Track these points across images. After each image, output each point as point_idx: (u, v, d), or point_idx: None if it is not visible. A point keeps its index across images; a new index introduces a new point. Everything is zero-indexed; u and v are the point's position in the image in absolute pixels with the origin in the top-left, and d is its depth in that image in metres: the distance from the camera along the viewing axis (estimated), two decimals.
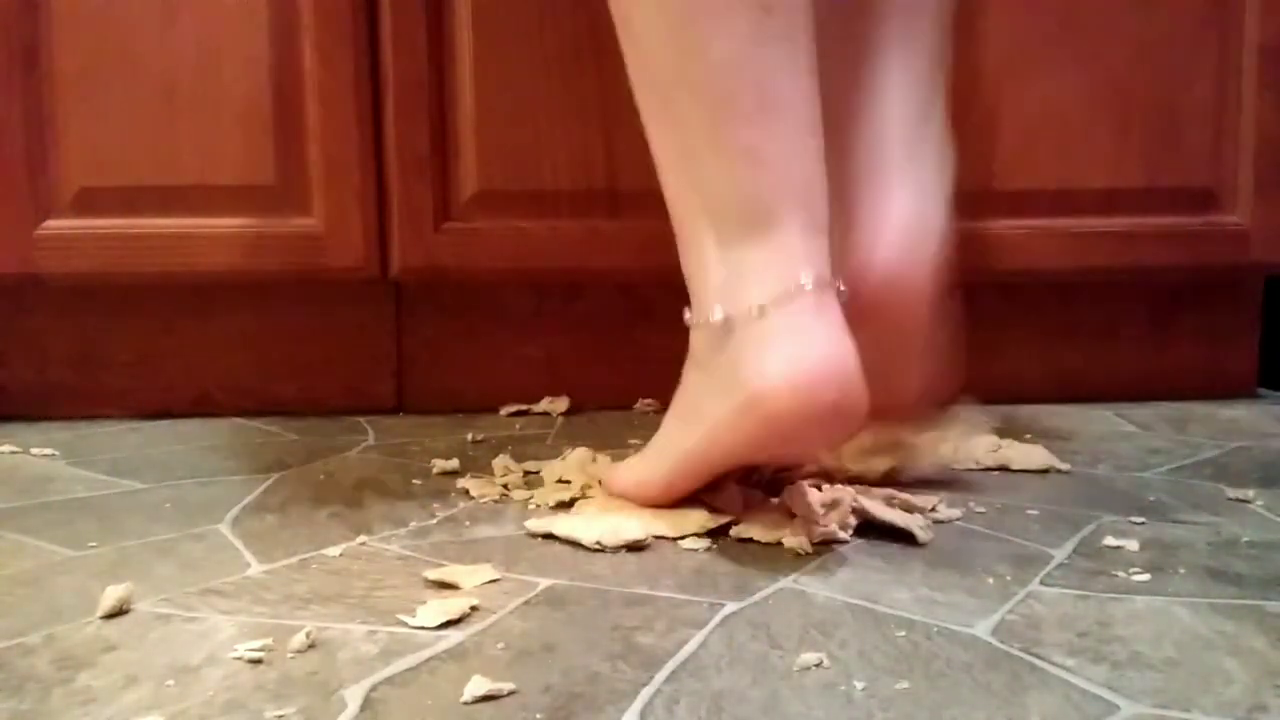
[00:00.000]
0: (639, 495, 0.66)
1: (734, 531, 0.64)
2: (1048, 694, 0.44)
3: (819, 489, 0.65)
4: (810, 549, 0.61)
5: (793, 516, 0.64)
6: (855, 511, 0.64)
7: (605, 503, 0.68)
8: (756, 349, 0.59)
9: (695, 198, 0.62)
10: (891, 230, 0.67)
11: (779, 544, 0.62)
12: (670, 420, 0.67)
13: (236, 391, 1.03)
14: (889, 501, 0.66)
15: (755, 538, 0.63)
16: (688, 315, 0.64)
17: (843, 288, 0.61)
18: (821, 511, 0.63)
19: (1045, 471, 0.79)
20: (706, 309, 0.61)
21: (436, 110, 0.98)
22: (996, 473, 0.80)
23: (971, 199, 1.02)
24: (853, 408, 0.59)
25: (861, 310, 0.63)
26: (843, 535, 0.63)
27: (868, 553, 0.61)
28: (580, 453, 0.77)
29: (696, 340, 0.63)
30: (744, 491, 0.67)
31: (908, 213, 0.68)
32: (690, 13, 0.59)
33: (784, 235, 0.59)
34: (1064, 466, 0.80)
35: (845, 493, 0.65)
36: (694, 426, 0.63)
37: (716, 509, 0.65)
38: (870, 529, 0.64)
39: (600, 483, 0.71)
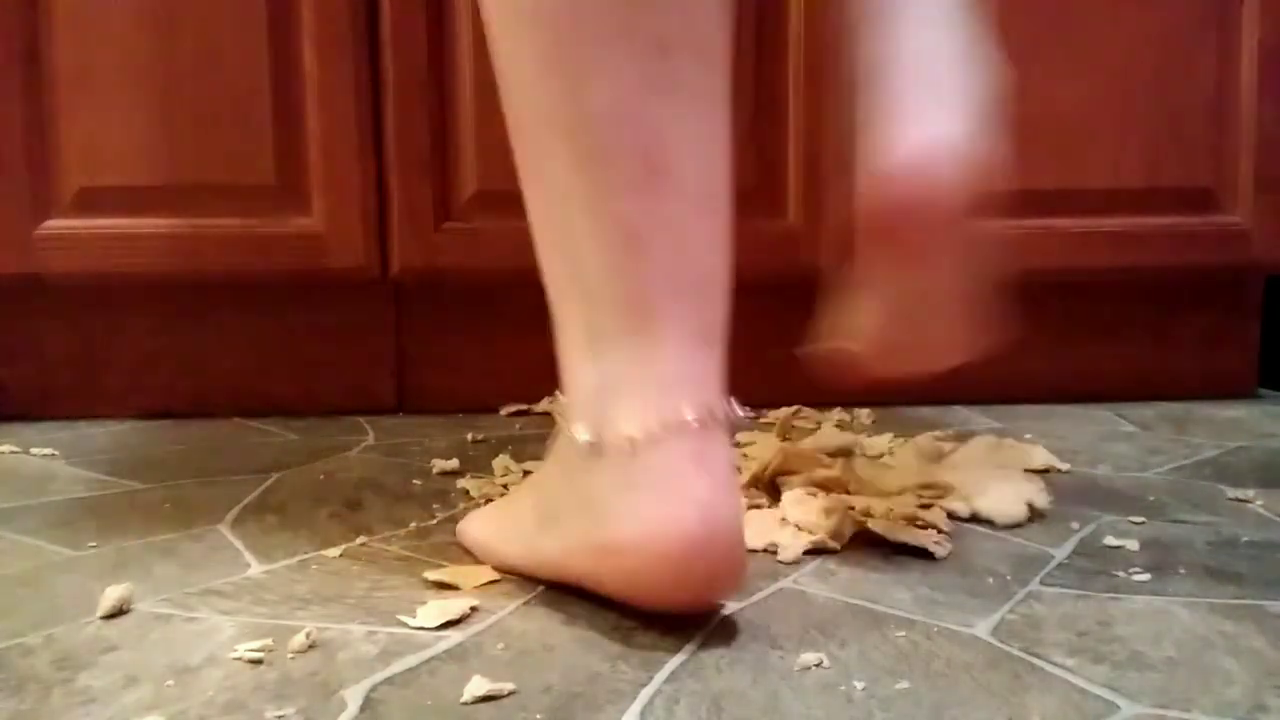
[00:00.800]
0: (481, 557, 0.60)
1: None
2: (1048, 694, 0.44)
3: (815, 496, 0.64)
4: (799, 557, 0.60)
5: (784, 522, 0.63)
6: (864, 533, 0.62)
7: None
8: (621, 493, 0.49)
9: (565, 275, 0.52)
10: (907, 147, 0.53)
11: (767, 550, 0.61)
12: (527, 499, 0.58)
13: (236, 391, 1.03)
14: (895, 516, 0.64)
15: (748, 542, 0.61)
16: (554, 403, 0.55)
17: (739, 413, 0.51)
18: (818, 520, 0.62)
19: (1045, 471, 0.79)
20: (575, 417, 0.51)
21: (436, 110, 0.98)
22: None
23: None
24: (729, 574, 0.50)
25: (878, 236, 0.54)
26: (834, 545, 0.61)
27: (867, 553, 0.61)
28: None
29: (562, 439, 0.53)
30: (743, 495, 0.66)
31: (928, 129, 0.53)
32: (565, 47, 0.48)
33: (665, 345, 0.49)
34: (1064, 466, 0.80)
35: (842, 504, 0.64)
36: (549, 533, 0.54)
37: None
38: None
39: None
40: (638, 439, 0.48)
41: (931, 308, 0.57)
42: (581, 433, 0.50)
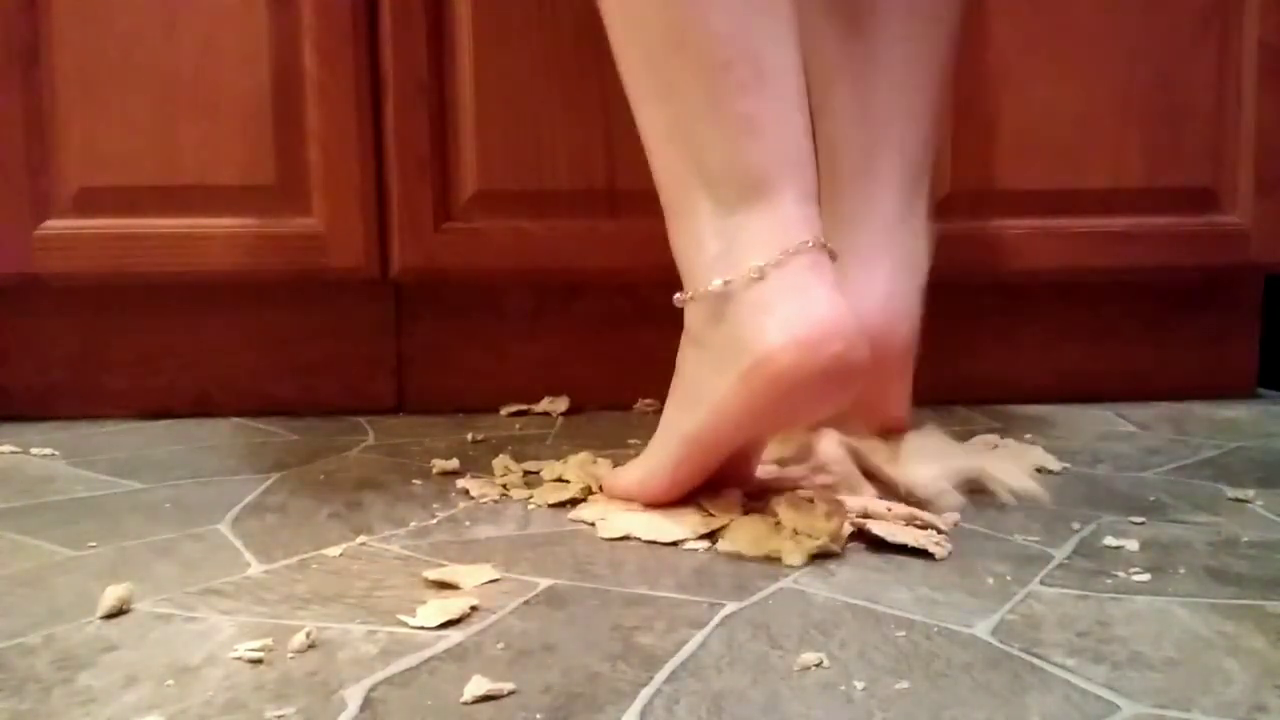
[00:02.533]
0: (643, 492, 0.66)
1: (721, 545, 0.62)
2: (1048, 694, 0.44)
3: (811, 501, 0.64)
4: (804, 561, 0.59)
5: (779, 526, 0.62)
6: (863, 535, 0.62)
7: (606, 504, 0.68)
8: (757, 312, 0.59)
9: (690, 171, 0.62)
10: (874, 298, 0.71)
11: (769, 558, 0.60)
12: (669, 410, 0.66)
13: (236, 391, 1.03)
14: (894, 517, 0.64)
15: (743, 551, 0.61)
16: (679, 297, 0.64)
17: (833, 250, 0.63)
18: (817, 524, 0.62)
19: (1038, 471, 0.79)
20: (703, 280, 0.62)
21: (436, 110, 0.98)
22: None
23: (972, 199, 1.02)
24: (858, 361, 0.60)
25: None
26: (835, 549, 0.61)
27: (868, 553, 0.61)
28: (581, 456, 0.77)
29: (692, 317, 0.63)
30: (742, 499, 0.66)
31: (886, 288, 0.72)
32: None
33: (780, 203, 0.60)
34: (1056, 467, 0.80)
35: (840, 505, 0.64)
36: (696, 408, 0.63)
37: (712, 514, 0.65)
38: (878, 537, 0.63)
39: (600, 487, 0.71)
40: (766, 265, 0.59)
41: (880, 395, 0.73)
42: (714, 282, 0.61)
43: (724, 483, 0.66)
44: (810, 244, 0.60)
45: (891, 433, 0.75)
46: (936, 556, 0.60)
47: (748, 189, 0.61)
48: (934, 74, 0.74)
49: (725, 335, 0.61)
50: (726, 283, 0.60)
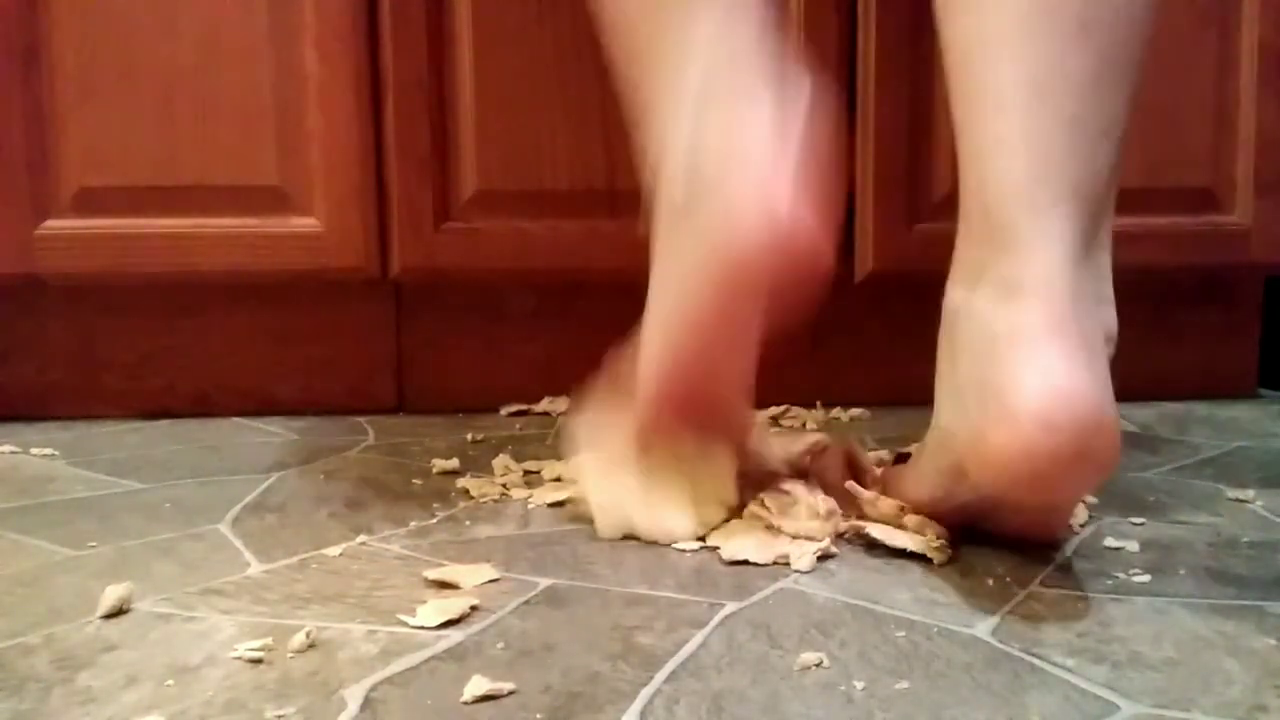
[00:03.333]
0: (643, 390, 0.63)
1: (724, 553, 0.60)
2: (1048, 694, 0.44)
3: (788, 494, 0.63)
4: (811, 567, 0.59)
5: (774, 530, 0.62)
6: (861, 537, 0.62)
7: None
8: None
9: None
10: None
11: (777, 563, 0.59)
12: (651, 301, 0.63)
13: (236, 391, 1.03)
14: (897, 522, 0.63)
15: (751, 559, 0.59)
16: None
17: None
18: (814, 525, 0.61)
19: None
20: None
21: (436, 110, 0.98)
22: None
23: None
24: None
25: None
26: (834, 550, 0.60)
27: (868, 553, 0.61)
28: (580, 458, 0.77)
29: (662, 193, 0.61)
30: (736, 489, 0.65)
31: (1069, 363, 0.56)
32: None
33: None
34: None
35: (833, 506, 0.63)
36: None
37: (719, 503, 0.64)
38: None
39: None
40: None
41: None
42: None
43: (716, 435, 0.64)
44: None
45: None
46: (935, 562, 0.59)
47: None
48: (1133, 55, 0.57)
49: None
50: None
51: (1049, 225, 0.55)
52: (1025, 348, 0.52)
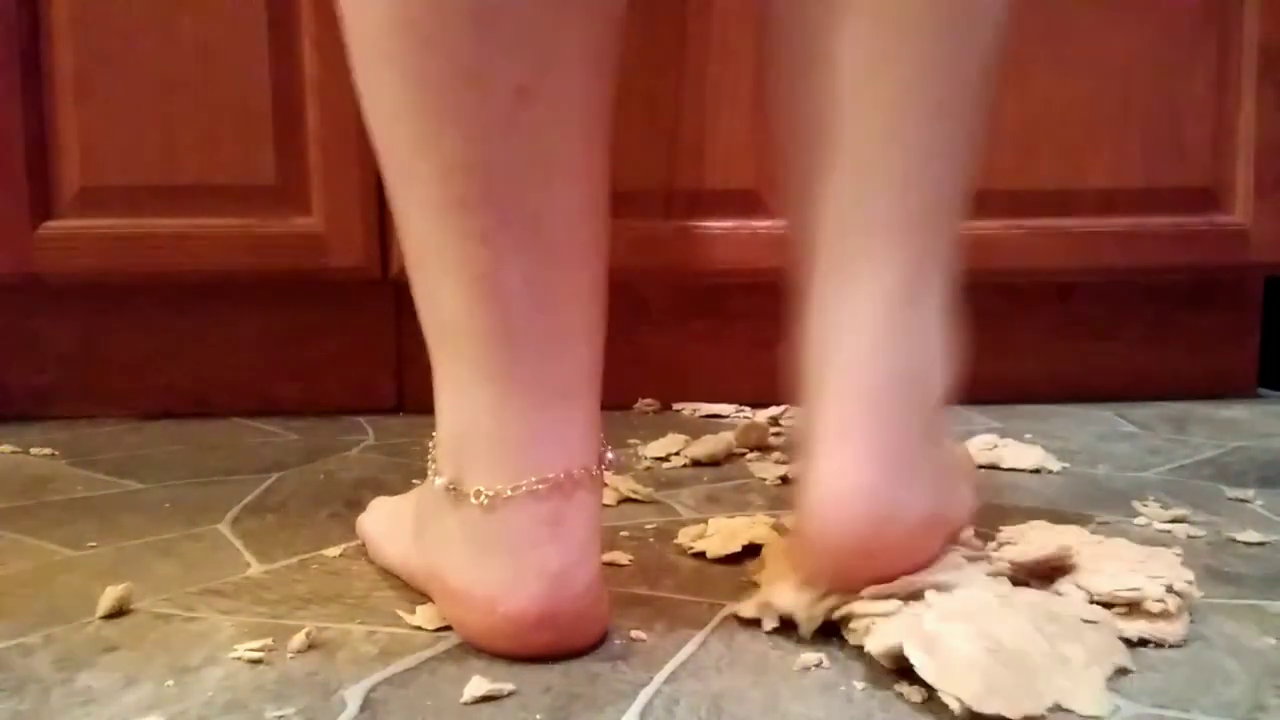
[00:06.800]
0: (370, 555, 0.60)
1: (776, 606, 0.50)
2: None
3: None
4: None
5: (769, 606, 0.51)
6: None
7: None
8: (473, 551, 0.47)
9: (430, 320, 0.53)
10: (814, 490, 0.48)
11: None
12: (412, 503, 0.55)
13: (236, 391, 1.03)
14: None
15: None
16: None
17: (608, 462, 0.53)
18: (802, 608, 0.50)
19: (1037, 471, 0.79)
20: (438, 459, 0.50)
21: None
22: (992, 473, 0.80)
23: (971, 198, 1.02)
24: (576, 640, 0.48)
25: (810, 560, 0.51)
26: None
27: None
28: None
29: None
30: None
31: (830, 478, 0.48)
32: (416, 91, 0.49)
33: (520, 398, 0.48)
34: (1055, 466, 0.80)
35: (815, 591, 0.55)
36: (418, 543, 0.52)
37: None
38: None
39: None
40: (491, 496, 0.47)
41: None
42: (440, 476, 0.49)
43: None
44: (548, 483, 0.47)
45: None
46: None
47: (480, 366, 0.49)
48: (971, 69, 0.53)
49: (445, 528, 0.48)
50: (449, 489, 0.48)
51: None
52: (819, 445, 0.48)
